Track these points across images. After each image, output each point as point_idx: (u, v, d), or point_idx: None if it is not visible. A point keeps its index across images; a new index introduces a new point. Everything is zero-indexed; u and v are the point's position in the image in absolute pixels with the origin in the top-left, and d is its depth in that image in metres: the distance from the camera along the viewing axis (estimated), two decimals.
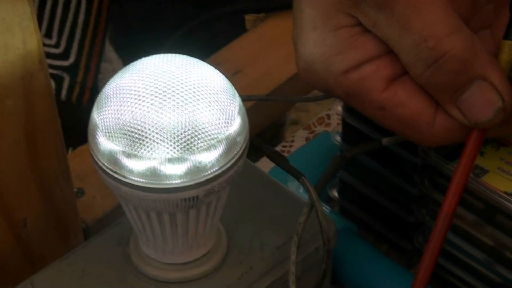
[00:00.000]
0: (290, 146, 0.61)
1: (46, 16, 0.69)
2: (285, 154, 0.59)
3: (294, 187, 0.53)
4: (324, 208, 0.53)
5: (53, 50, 0.70)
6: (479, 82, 0.36)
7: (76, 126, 0.53)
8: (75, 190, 0.55)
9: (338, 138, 0.51)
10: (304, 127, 0.63)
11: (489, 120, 0.37)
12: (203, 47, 0.74)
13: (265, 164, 0.56)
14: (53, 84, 0.70)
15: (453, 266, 0.48)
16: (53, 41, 0.70)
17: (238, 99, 0.40)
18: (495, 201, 0.42)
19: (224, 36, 0.71)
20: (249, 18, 0.71)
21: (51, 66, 0.70)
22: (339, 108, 0.50)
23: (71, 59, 0.70)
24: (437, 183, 0.46)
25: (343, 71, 0.38)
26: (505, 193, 0.42)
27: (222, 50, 0.67)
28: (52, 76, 0.70)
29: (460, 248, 0.46)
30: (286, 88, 0.65)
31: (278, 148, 0.61)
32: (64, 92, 0.70)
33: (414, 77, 0.37)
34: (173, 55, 0.41)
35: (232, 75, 0.66)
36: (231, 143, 0.39)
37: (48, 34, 0.70)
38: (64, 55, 0.70)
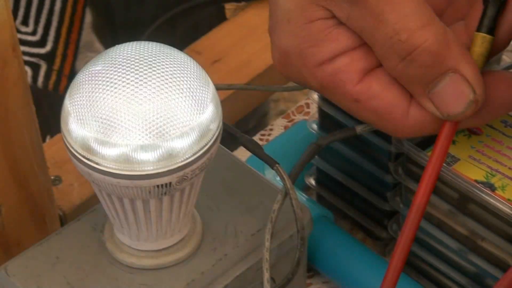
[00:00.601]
0: (269, 135, 0.61)
1: (23, 3, 0.69)
2: (264, 143, 0.60)
3: (271, 175, 0.53)
4: (300, 196, 0.53)
5: (29, 38, 0.70)
6: (451, 75, 0.37)
7: (53, 113, 0.53)
8: (52, 178, 0.55)
9: (315, 126, 0.51)
10: (283, 116, 0.63)
11: (461, 113, 0.37)
12: (183, 36, 0.74)
13: (242, 153, 0.57)
14: (29, 71, 0.69)
15: (427, 254, 0.48)
16: (29, 29, 0.70)
17: (211, 87, 0.40)
18: (467, 190, 0.43)
19: (204, 25, 0.71)
20: (229, 7, 0.71)
21: (27, 54, 0.70)
22: (315, 96, 0.50)
23: (48, 47, 0.70)
24: (411, 171, 0.46)
25: (317, 63, 0.39)
26: (476, 181, 0.42)
27: (202, 39, 0.68)
28: (29, 63, 0.70)
29: (434, 236, 0.47)
30: (266, 77, 0.65)
31: (257, 137, 0.61)
32: (40, 80, 0.70)
33: (388, 70, 0.38)
34: (146, 42, 0.41)
35: (211, 63, 0.66)
36: (203, 130, 0.39)
37: (24, 22, 0.69)
38: (41, 43, 0.70)
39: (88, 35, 0.79)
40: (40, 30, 0.69)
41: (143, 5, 0.78)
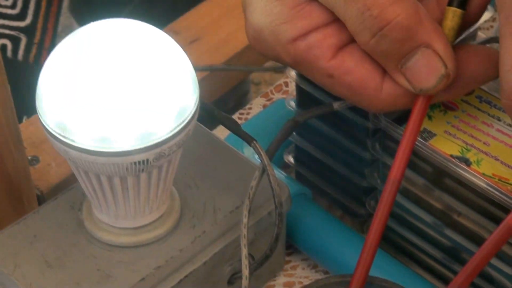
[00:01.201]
0: (248, 114, 0.61)
1: None
2: (243, 122, 0.60)
3: (250, 153, 0.53)
4: (279, 173, 0.53)
5: (9, 11, 0.69)
6: (423, 50, 0.37)
7: (33, 86, 0.52)
8: (30, 158, 0.54)
9: (292, 103, 0.51)
10: (262, 95, 0.63)
11: (433, 87, 0.38)
12: (161, 16, 0.74)
13: (221, 132, 0.57)
14: (10, 45, 0.69)
15: (403, 230, 0.49)
16: (9, 2, 0.69)
17: (188, 64, 0.40)
18: (442, 165, 0.43)
19: (182, 5, 0.71)
20: None
21: (7, 27, 0.69)
22: (293, 73, 0.50)
23: (28, 20, 0.69)
24: (388, 147, 0.46)
25: (290, 39, 0.39)
26: (451, 156, 0.43)
27: (179, 19, 0.67)
28: (9, 37, 0.69)
29: (410, 212, 0.47)
30: (244, 56, 0.65)
31: (236, 116, 0.61)
32: (21, 53, 0.69)
33: (361, 45, 0.38)
34: (123, 20, 0.40)
35: (189, 43, 0.65)
36: (180, 107, 0.39)
37: None
38: (21, 16, 0.70)
39: (67, 19, 0.78)
40: (19, 3, 0.68)
41: None
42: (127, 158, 0.39)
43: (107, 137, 0.38)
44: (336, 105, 0.45)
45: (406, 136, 0.38)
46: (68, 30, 0.78)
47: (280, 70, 0.55)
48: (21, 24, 0.70)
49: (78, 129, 0.38)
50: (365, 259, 0.40)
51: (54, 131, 0.39)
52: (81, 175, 0.41)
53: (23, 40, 0.69)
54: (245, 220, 0.43)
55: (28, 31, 0.70)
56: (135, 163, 0.39)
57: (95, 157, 0.39)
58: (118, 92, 0.38)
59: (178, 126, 0.39)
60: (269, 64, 0.60)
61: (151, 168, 0.40)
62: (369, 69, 0.38)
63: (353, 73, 0.39)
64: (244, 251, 0.43)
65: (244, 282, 0.43)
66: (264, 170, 0.44)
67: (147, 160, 0.39)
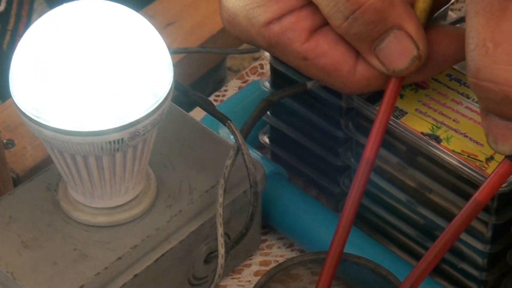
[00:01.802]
0: (223, 96, 0.62)
1: None
2: (218, 104, 0.60)
3: (225, 134, 0.54)
4: (254, 153, 0.54)
5: None
6: (396, 32, 0.38)
7: (7, 73, 0.52)
8: (5, 141, 0.54)
9: (267, 84, 0.52)
10: (237, 77, 0.64)
11: (406, 68, 0.38)
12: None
13: (197, 114, 0.57)
14: None
15: (377, 207, 0.49)
16: None
17: (162, 45, 0.41)
18: (414, 142, 0.44)
19: None
20: None
21: None
22: (267, 54, 0.50)
23: (1, 7, 0.69)
24: (361, 126, 0.47)
25: (264, 23, 0.39)
26: (422, 133, 0.43)
27: (154, 2, 0.67)
28: None
29: (384, 189, 0.48)
30: (219, 39, 0.65)
31: (212, 98, 0.61)
32: None
33: (334, 28, 0.39)
34: (96, 1, 0.41)
35: (165, 27, 0.66)
36: (154, 86, 0.40)
37: None
38: None
39: (40, 5, 0.78)
40: None
41: None
42: (102, 137, 0.39)
43: (81, 117, 0.39)
44: (309, 84, 0.46)
45: (379, 117, 0.39)
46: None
47: (254, 52, 0.56)
48: None
49: (52, 109, 0.38)
50: (340, 237, 0.41)
51: (28, 112, 0.39)
52: (56, 155, 0.41)
53: None
54: (220, 199, 0.44)
55: (2, 18, 0.70)
56: (110, 142, 0.39)
57: (70, 137, 0.39)
58: (92, 72, 0.38)
59: (152, 105, 0.40)
60: (244, 46, 0.61)
61: (126, 147, 0.40)
62: (342, 51, 0.39)
63: (327, 56, 0.39)
64: (220, 230, 0.44)
65: (220, 260, 0.44)
66: (238, 149, 0.44)
67: (122, 139, 0.40)
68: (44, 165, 0.53)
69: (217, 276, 0.44)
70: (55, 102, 0.38)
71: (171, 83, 0.41)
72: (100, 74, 0.38)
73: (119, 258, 0.43)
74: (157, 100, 0.40)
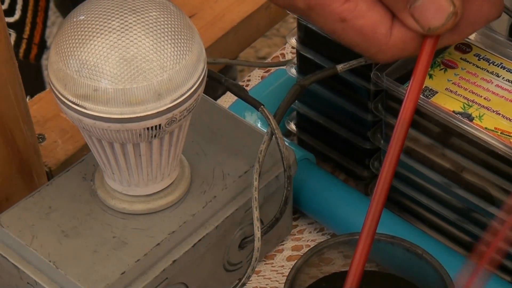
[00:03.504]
0: (247, 86, 0.62)
1: None
2: None
3: (252, 121, 0.54)
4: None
5: None
6: None
7: (24, 82, 0.53)
8: (36, 135, 0.55)
9: (294, 70, 0.52)
10: (259, 67, 0.64)
11: (442, 25, 0.38)
12: None
13: (223, 104, 0.58)
14: None
15: (411, 189, 0.50)
16: None
17: (194, 30, 0.41)
18: (446, 121, 0.44)
19: None
20: None
21: None
22: (293, 40, 0.51)
23: (17, 15, 0.69)
24: (390, 107, 0.47)
25: None
26: (453, 112, 0.44)
27: None
28: None
29: (416, 170, 0.48)
30: (239, 30, 0.66)
31: None
32: None
33: None
34: None
35: None
36: (190, 72, 0.40)
37: None
38: (9, 11, 0.69)
39: (54, 14, 0.78)
40: None
41: None
42: (140, 123, 0.40)
43: (120, 104, 0.39)
44: (339, 67, 0.46)
45: (415, 77, 0.38)
46: (59, 24, 0.77)
47: (279, 66, 0.56)
48: (10, 19, 0.69)
49: (92, 97, 0.39)
50: (376, 204, 0.40)
51: (69, 100, 0.39)
52: (94, 143, 0.42)
53: (12, 36, 0.69)
54: (255, 183, 0.44)
55: (17, 26, 0.70)
56: (148, 128, 0.40)
57: (109, 124, 0.39)
58: (129, 60, 0.39)
59: (188, 90, 0.40)
60: (268, 61, 0.61)
61: (163, 133, 0.41)
62: (380, 13, 0.39)
63: (365, 17, 0.39)
64: (256, 214, 0.44)
65: (257, 244, 0.45)
66: (272, 134, 0.45)
67: (160, 125, 0.40)
68: (75, 158, 0.54)
69: (253, 259, 0.44)
70: (95, 90, 0.39)
71: (204, 68, 0.41)
72: (136, 61, 0.39)
73: (158, 244, 0.43)
74: (192, 84, 0.40)
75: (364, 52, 0.40)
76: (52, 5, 0.73)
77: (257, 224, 0.44)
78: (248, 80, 0.63)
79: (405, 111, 0.38)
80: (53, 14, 0.73)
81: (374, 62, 0.45)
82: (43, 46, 0.70)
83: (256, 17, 0.66)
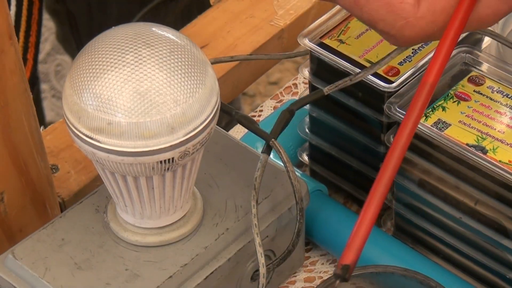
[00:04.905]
0: (259, 116, 0.63)
1: None
2: None
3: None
4: (295, 171, 0.54)
5: None
6: None
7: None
8: (50, 166, 0.55)
9: (306, 73, 0.52)
10: (271, 97, 0.64)
11: None
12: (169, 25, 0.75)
13: (234, 135, 0.58)
14: None
15: (422, 221, 0.49)
16: None
17: (208, 63, 0.41)
18: (459, 153, 0.44)
19: (187, 15, 0.72)
20: None
21: None
22: (306, 72, 0.51)
23: None
24: None
25: None
26: (467, 145, 0.44)
27: (187, 26, 0.68)
28: None
29: (428, 202, 0.48)
30: (252, 60, 0.66)
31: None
32: None
33: None
34: (142, 23, 0.41)
35: None
36: (203, 105, 0.40)
37: None
38: None
39: (52, 42, 0.78)
40: None
41: (106, 12, 0.78)
42: (153, 157, 0.40)
43: (133, 137, 0.39)
44: (326, 89, 0.46)
45: (447, 39, 0.36)
46: (55, 51, 0.77)
47: (299, 56, 0.54)
48: None
49: (105, 130, 0.39)
50: (395, 158, 0.36)
51: (82, 133, 0.40)
52: (107, 176, 0.42)
53: None
54: (254, 210, 0.44)
55: None
56: (160, 162, 0.40)
57: (122, 157, 0.40)
58: (143, 93, 0.39)
59: (201, 123, 0.40)
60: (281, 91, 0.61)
61: (176, 166, 0.41)
62: None
63: None
64: (258, 239, 0.44)
65: (261, 269, 0.44)
66: (266, 161, 0.44)
67: (173, 158, 0.40)
68: (89, 189, 0.54)
69: (260, 285, 0.44)
70: (108, 124, 0.39)
71: (218, 102, 0.42)
72: (150, 95, 0.39)
73: (170, 277, 0.43)
74: (205, 118, 0.41)
75: (389, 27, 0.38)
76: (51, 42, 0.73)
77: (260, 251, 0.44)
78: (261, 111, 0.63)
79: (430, 75, 0.36)
80: (52, 41, 0.73)
81: (397, 45, 0.40)
82: (34, 83, 0.70)
83: (269, 47, 0.67)
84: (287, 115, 0.47)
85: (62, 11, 0.78)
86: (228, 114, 0.47)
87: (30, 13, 0.68)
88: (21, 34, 0.68)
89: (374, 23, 0.38)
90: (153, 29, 0.41)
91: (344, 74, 0.48)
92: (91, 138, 0.39)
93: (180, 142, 0.40)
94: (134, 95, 0.39)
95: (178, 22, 0.69)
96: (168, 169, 0.41)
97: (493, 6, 0.38)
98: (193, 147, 0.41)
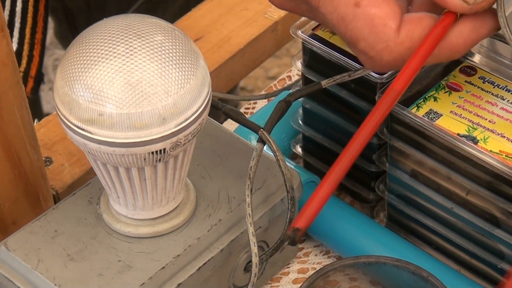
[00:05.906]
0: (253, 108, 0.63)
1: None
2: (248, 116, 0.61)
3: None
4: (288, 163, 0.54)
5: None
6: None
7: None
8: (43, 159, 0.55)
9: (299, 65, 0.52)
10: (266, 89, 0.64)
11: None
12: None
13: (228, 127, 0.58)
14: None
15: (414, 211, 0.50)
16: None
17: (199, 54, 0.42)
18: (450, 143, 0.44)
19: (185, 11, 0.72)
20: None
21: None
22: (299, 63, 0.51)
23: (13, 48, 0.69)
24: (395, 130, 0.47)
25: None
26: (458, 134, 0.44)
27: (181, 18, 0.68)
28: None
29: (420, 193, 0.48)
30: (246, 52, 0.66)
31: (242, 110, 0.62)
32: None
33: None
34: (134, 14, 0.42)
35: (193, 41, 0.66)
36: (194, 96, 0.40)
37: None
38: None
39: (51, 37, 0.78)
40: None
41: (104, 10, 0.78)
42: (144, 148, 0.40)
43: (125, 128, 0.39)
44: (324, 83, 0.46)
45: (424, 46, 0.38)
46: (53, 47, 0.77)
47: (272, 96, 0.56)
48: None
49: (97, 121, 0.39)
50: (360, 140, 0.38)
51: (73, 125, 0.40)
52: (99, 168, 0.42)
53: None
54: (248, 199, 0.44)
55: None
56: (152, 152, 0.40)
57: (114, 148, 0.40)
58: (133, 84, 0.39)
59: (192, 114, 0.41)
60: (263, 93, 0.61)
61: (167, 157, 0.41)
62: (393, 7, 0.38)
63: (380, 7, 0.38)
64: (251, 229, 0.44)
65: (254, 259, 0.44)
66: (261, 151, 0.45)
67: (164, 149, 0.40)
68: (82, 181, 0.54)
69: (253, 275, 0.44)
70: (99, 115, 0.39)
71: (209, 92, 0.42)
72: (141, 86, 0.39)
73: (163, 268, 0.43)
74: (197, 109, 0.41)
75: (368, 48, 0.39)
76: (49, 37, 0.73)
77: (253, 240, 0.44)
78: (255, 103, 0.63)
79: (397, 83, 0.38)
80: (51, 43, 0.73)
81: (373, 68, 0.42)
82: (39, 80, 0.69)
83: (263, 40, 0.67)
84: (283, 106, 0.47)
85: (60, 9, 0.78)
86: (215, 108, 0.47)
87: (36, 9, 0.68)
88: (27, 30, 0.68)
89: (356, 41, 0.39)
90: (145, 20, 0.41)
91: (336, 65, 0.48)
92: (83, 129, 0.40)
93: (172, 133, 0.40)
94: (125, 86, 0.39)
95: (176, 18, 0.69)
96: (159, 160, 0.41)
97: (464, 36, 0.40)
98: (185, 138, 0.41)
